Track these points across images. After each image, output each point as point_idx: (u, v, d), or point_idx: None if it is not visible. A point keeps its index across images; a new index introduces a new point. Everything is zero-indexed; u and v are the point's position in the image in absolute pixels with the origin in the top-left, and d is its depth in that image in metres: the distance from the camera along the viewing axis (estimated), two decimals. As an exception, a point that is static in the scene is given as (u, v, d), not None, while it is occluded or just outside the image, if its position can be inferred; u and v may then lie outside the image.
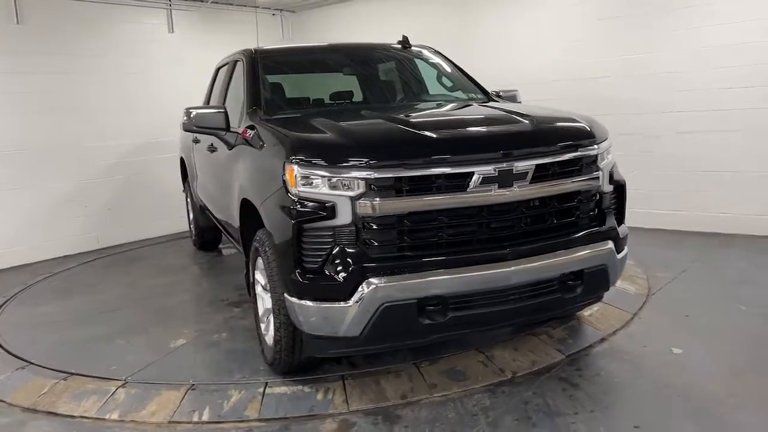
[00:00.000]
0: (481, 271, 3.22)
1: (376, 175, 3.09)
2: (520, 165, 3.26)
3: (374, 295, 3.09)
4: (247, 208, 4.02)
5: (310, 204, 3.17)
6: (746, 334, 4.12)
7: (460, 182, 3.18)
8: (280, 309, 3.47)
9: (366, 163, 3.11)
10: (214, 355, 4.19)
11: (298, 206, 3.19)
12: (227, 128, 4.33)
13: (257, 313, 4.07)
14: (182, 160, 7.44)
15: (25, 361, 4.26)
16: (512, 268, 3.25)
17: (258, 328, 4.07)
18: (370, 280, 3.10)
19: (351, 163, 3.13)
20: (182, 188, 8.03)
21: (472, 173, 3.18)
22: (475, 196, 3.19)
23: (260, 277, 3.96)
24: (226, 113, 4.32)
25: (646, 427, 3.12)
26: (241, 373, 3.88)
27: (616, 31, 7.14)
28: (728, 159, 6.49)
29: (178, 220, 8.44)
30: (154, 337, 4.57)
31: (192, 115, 4.35)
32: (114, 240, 7.99)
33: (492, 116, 3.73)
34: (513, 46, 7.95)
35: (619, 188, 3.80)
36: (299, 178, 3.19)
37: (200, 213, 6.77)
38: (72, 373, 4.01)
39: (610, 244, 3.59)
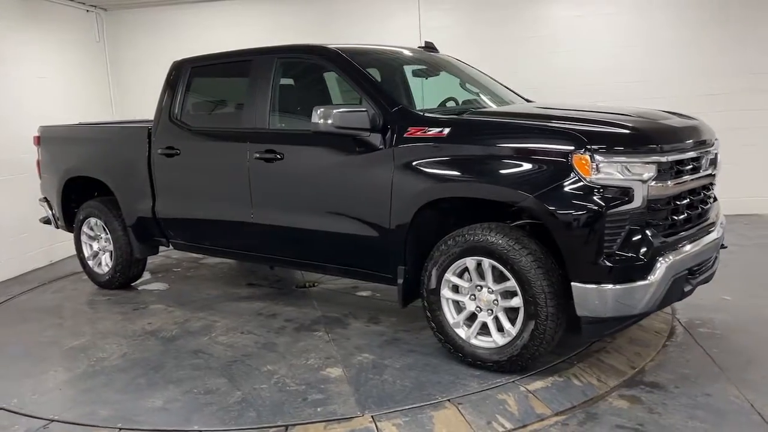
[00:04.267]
0: (709, 239, 3.77)
1: (666, 159, 3.42)
2: (713, 150, 3.92)
3: (670, 269, 3.40)
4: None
5: (611, 190, 3.32)
6: (736, 274, 5.39)
7: (698, 165, 3.70)
8: (546, 302, 3.48)
9: (659, 148, 3.41)
10: (404, 374, 3.80)
11: (602, 194, 3.31)
12: (372, 128, 3.98)
13: (444, 320, 3.87)
14: (69, 183, 6.02)
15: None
16: (717, 236, 3.88)
17: (448, 334, 3.86)
18: (665, 256, 3.40)
19: (648, 149, 3.40)
20: (46, 219, 6.49)
21: (703, 156, 3.73)
22: (703, 176, 3.75)
23: (457, 280, 3.81)
24: (368, 112, 3.98)
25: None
26: (475, 381, 3.65)
27: (490, 55, 8.18)
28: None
29: (17, 260, 6.97)
30: (291, 373, 3.89)
31: (332, 116, 3.90)
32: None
33: (660, 112, 4.25)
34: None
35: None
36: (596, 167, 3.31)
37: (140, 242, 5.63)
38: (291, 424, 3.27)
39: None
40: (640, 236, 3.37)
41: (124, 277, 5.93)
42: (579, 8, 8.00)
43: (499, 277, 3.67)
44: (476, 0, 8.24)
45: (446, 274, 3.83)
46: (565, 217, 3.36)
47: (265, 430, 3.26)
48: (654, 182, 3.37)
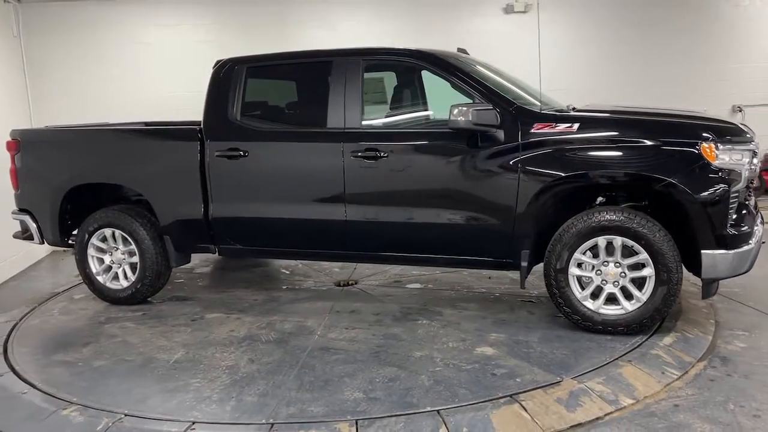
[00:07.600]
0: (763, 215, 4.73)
1: (753, 147, 4.28)
2: (753, 144, 4.91)
3: (761, 236, 4.29)
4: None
5: (729, 172, 4.09)
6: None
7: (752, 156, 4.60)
8: (677, 269, 4.15)
9: (750, 138, 4.27)
10: (550, 345, 4.18)
11: (723, 176, 4.07)
12: (497, 124, 4.36)
13: (572, 295, 4.35)
14: (75, 191, 5.51)
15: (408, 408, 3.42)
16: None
17: (576, 307, 4.35)
18: (757, 224, 4.28)
19: (745, 139, 4.24)
20: (27, 234, 5.83)
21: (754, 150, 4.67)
22: (756, 166, 4.68)
23: (585, 258, 4.33)
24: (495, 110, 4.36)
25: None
26: (616, 343, 4.16)
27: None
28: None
29: None
30: (449, 356, 4.11)
31: (471, 113, 4.23)
32: None
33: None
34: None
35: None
36: (719, 154, 4.07)
37: (179, 250, 5.35)
38: (515, 393, 3.55)
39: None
40: (745, 209, 4.20)
41: (151, 290, 5.55)
42: (513, 23, 8.89)
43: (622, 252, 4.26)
44: (419, 9, 8.76)
45: (575, 253, 4.33)
46: (701, 195, 4.05)
47: (496, 401, 3.50)
48: (749, 166, 4.20)
